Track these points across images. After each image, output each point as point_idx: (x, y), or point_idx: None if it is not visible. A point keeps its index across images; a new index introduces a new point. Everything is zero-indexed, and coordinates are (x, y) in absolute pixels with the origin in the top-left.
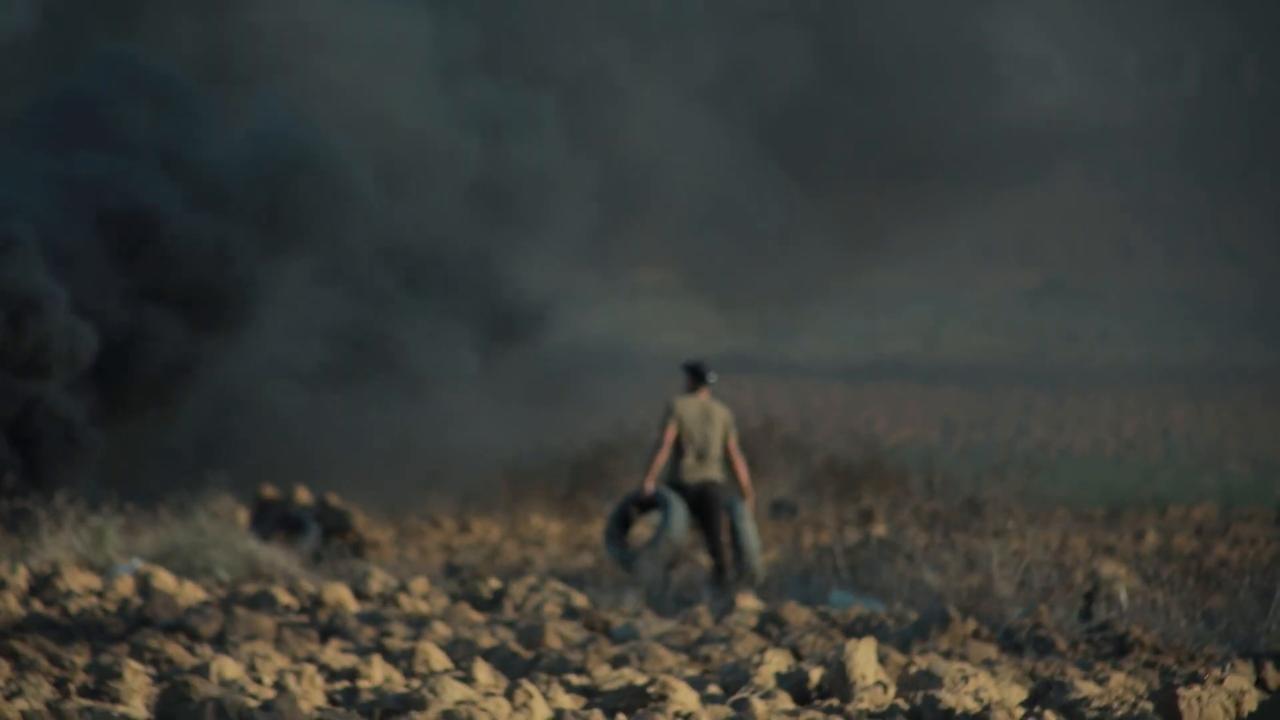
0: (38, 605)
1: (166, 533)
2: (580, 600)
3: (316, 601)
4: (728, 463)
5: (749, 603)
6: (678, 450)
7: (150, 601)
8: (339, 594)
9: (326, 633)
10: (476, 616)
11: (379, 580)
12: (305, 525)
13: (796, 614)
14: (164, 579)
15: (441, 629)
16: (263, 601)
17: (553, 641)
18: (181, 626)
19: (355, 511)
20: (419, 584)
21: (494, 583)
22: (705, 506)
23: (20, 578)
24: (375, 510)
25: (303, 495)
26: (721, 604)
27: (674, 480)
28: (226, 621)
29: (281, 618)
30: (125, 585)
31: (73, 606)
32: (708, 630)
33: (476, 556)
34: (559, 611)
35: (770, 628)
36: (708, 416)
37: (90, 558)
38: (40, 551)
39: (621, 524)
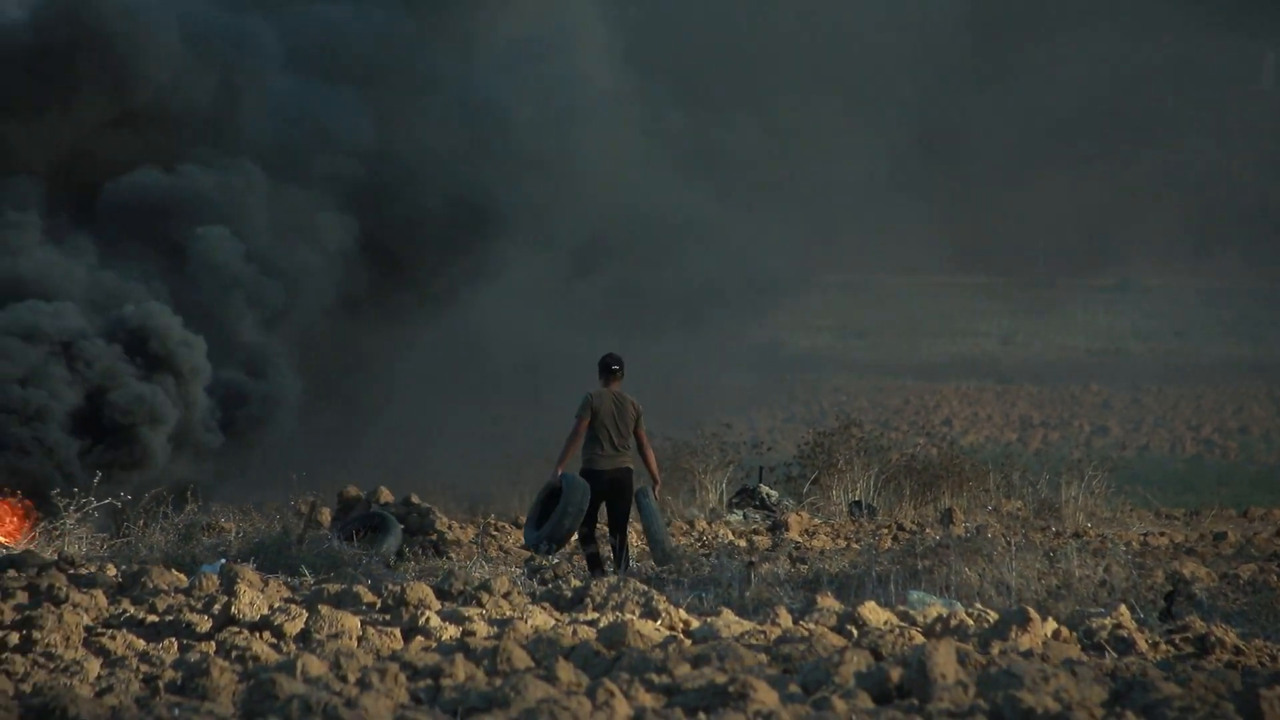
0: (126, 603)
1: (252, 531)
2: (661, 600)
3: (399, 600)
4: (640, 451)
5: (829, 602)
6: (594, 439)
7: (236, 599)
8: (422, 593)
9: (409, 631)
10: (558, 616)
11: (461, 579)
12: (388, 524)
13: (876, 614)
14: (250, 577)
15: (523, 628)
16: (346, 600)
17: (634, 641)
18: (266, 625)
19: (437, 510)
20: (501, 583)
21: (575, 582)
22: (618, 494)
23: (110, 575)
24: (456, 509)
25: (385, 494)
26: (801, 603)
27: (589, 468)
28: (311, 620)
29: (365, 616)
30: (211, 583)
31: (160, 604)
32: (787, 630)
33: (558, 556)
34: (639, 611)
35: (850, 627)
36: (620, 408)
37: (178, 556)
38: (129, 550)
39: (542, 511)
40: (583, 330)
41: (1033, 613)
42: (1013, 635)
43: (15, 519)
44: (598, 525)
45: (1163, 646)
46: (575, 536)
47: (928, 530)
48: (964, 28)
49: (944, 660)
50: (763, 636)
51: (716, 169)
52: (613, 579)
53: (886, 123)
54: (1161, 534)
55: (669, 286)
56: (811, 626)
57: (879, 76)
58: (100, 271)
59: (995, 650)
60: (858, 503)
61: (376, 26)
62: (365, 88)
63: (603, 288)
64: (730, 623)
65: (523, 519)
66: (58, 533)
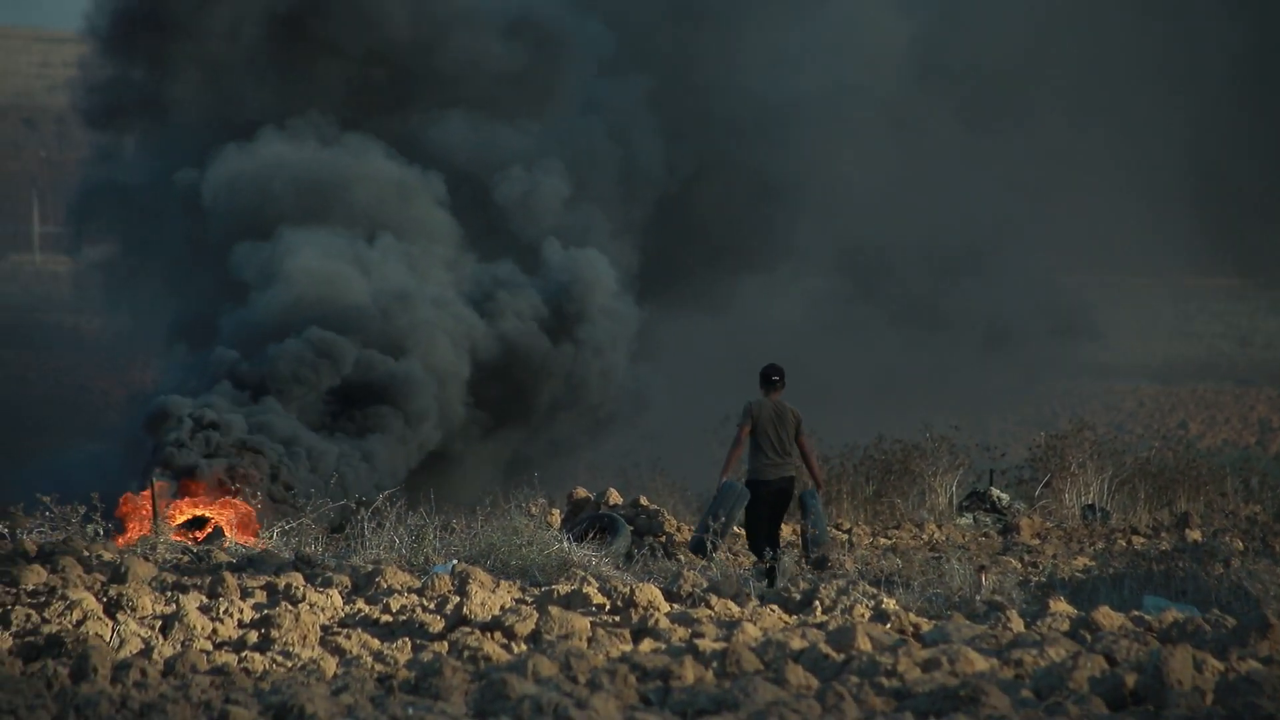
0: (361, 603)
1: (483, 533)
2: (890, 603)
3: (629, 602)
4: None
5: (1062, 606)
6: (757, 449)
7: (468, 600)
8: (651, 594)
9: (639, 633)
10: (787, 618)
11: (690, 581)
12: (617, 526)
13: (1110, 619)
14: (481, 578)
15: (752, 630)
16: (576, 601)
17: (863, 644)
18: (498, 625)
19: (666, 512)
20: (730, 585)
21: (804, 584)
22: (782, 502)
23: (345, 576)
24: (685, 511)
25: (614, 496)
26: (1034, 608)
27: (754, 477)
28: (541, 621)
29: (595, 617)
30: (443, 584)
31: (394, 604)
32: (1019, 634)
33: (787, 558)
34: (869, 614)
35: (1083, 632)
36: (781, 417)
37: (410, 557)
38: (363, 551)
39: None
40: (853, 342)
41: (1273, 619)
42: (1252, 642)
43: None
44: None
45: None
46: (748, 546)
47: (1163, 535)
48: (1232, 36)
49: (1180, 666)
50: (994, 641)
51: (998, 176)
52: (843, 581)
53: (1147, 131)
54: None
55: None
56: (1044, 631)
57: (1147, 87)
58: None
59: (1233, 657)
60: (1091, 506)
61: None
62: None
63: (866, 299)
64: (961, 626)
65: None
66: (295, 533)
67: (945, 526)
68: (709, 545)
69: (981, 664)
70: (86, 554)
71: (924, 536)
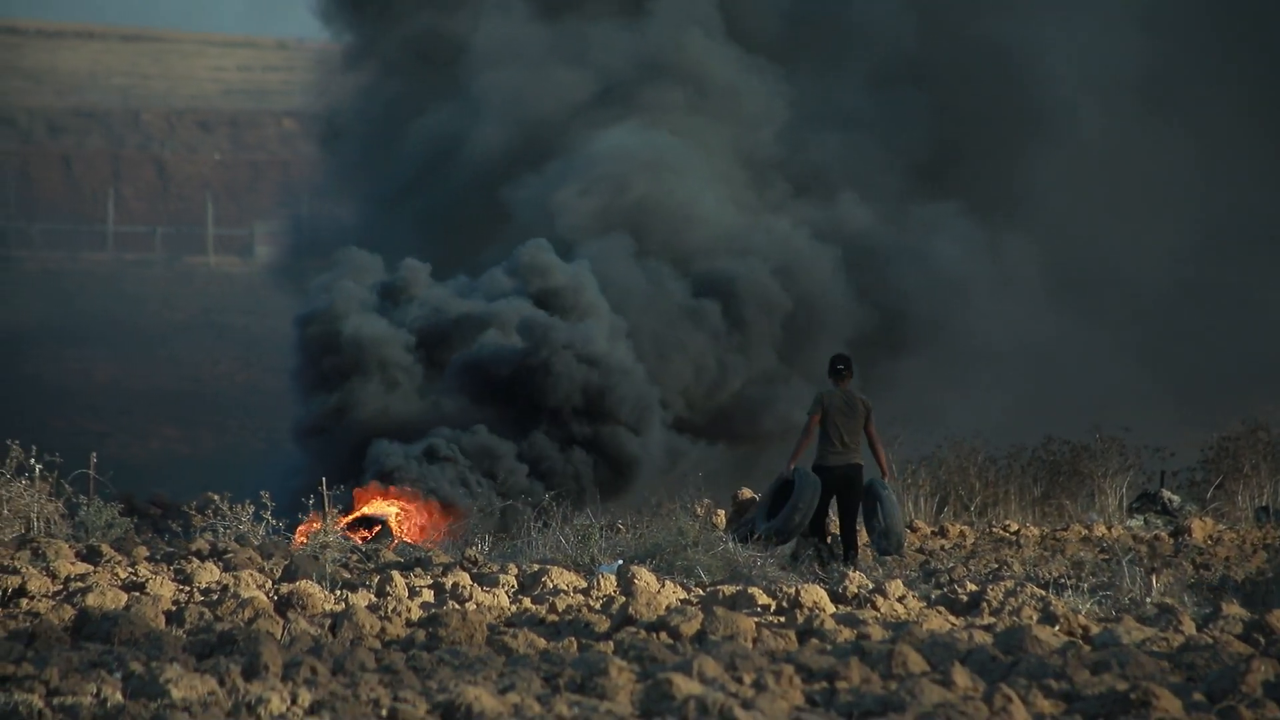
0: (527, 602)
1: (648, 533)
2: (1059, 604)
3: (794, 603)
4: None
5: (1234, 609)
6: (825, 437)
7: (633, 600)
8: (816, 596)
9: (804, 634)
10: (954, 620)
11: (856, 582)
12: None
13: None
14: (646, 578)
15: (918, 632)
16: (741, 602)
17: (1032, 646)
18: (663, 626)
19: (831, 513)
20: (895, 587)
21: (971, 586)
22: (848, 489)
23: (511, 575)
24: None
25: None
26: (1206, 611)
27: (821, 464)
28: (706, 621)
29: (760, 618)
30: (609, 584)
31: (560, 604)
32: (1191, 637)
33: (952, 559)
34: (1037, 616)
35: (1256, 635)
36: (850, 406)
37: (576, 557)
38: (529, 550)
39: (773, 503)
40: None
41: None
42: None
43: (424, 518)
44: (828, 519)
45: None
46: (805, 528)
47: None
48: None
49: None
50: (1165, 643)
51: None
52: (1011, 583)
53: None
54: None
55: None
56: (1216, 634)
57: None
58: None
59: None
60: (1264, 508)
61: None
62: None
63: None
64: (1131, 629)
65: (917, 522)
66: (461, 533)
67: (1115, 528)
68: (776, 538)
69: (1152, 666)
70: (259, 552)
71: (1093, 538)
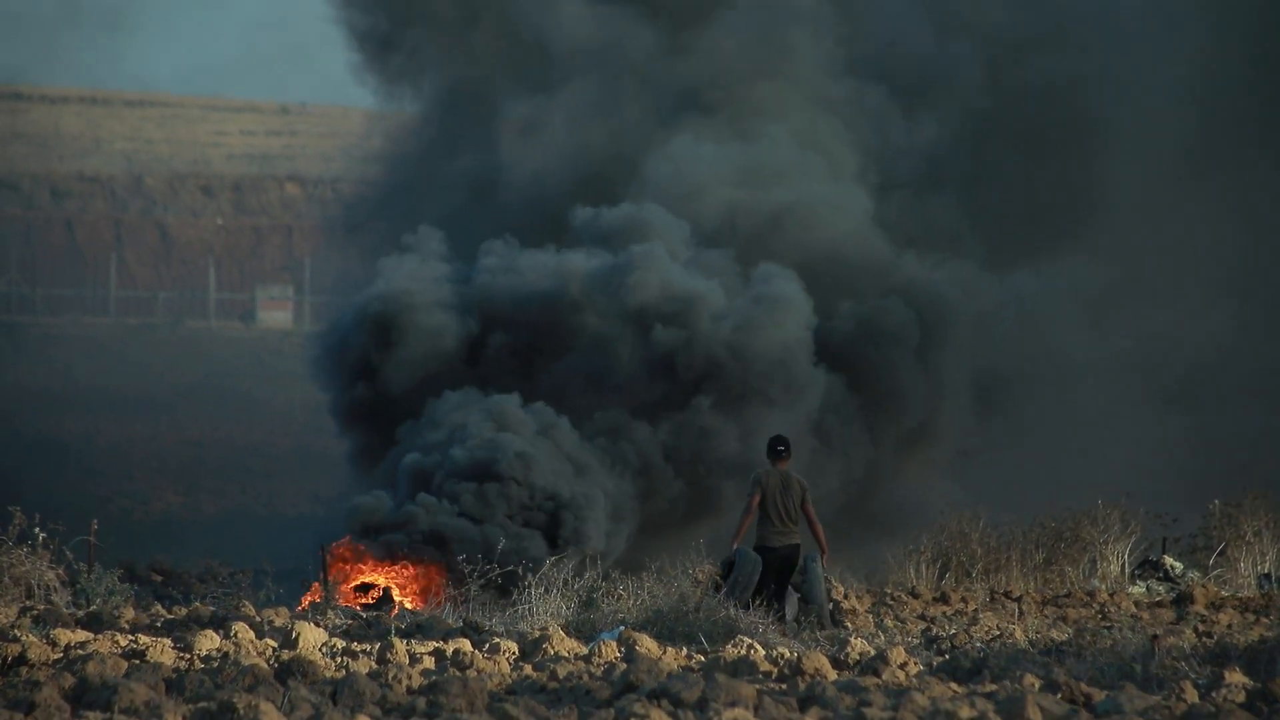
0: (528, 669)
1: (649, 600)
2: (1061, 672)
3: (795, 669)
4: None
5: (1237, 677)
6: (764, 517)
7: (634, 667)
8: (818, 662)
9: (806, 701)
10: (956, 687)
11: (858, 649)
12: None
13: None
14: (647, 644)
15: (920, 699)
16: (743, 668)
17: (1033, 714)
18: (665, 692)
19: (833, 580)
20: (897, 653)
21: (972, 653)
22: (787, 567)
23: (511, 642)
24: (852, 579)
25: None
26: (1209, 679)
27: (761, 544)
28: (708, 688)
29: (761, 685)
30: (610, 650)
31: (560, 671)
32: (1194, 705)
33: (955, 626)
34: (1039, 683)
35: (1260, 704)
36: (787, 486)
37: (577, 624)
38: (530, 617)
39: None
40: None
41: None
42: None
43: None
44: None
45: None
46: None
47: None
48: None
49: None
50: (1168, 712)
51: None
52: (1010, 651)
53: None
54: None
55: None
56: (1219, 702)
57: None
58: None
59: None
60: (1267, 575)
61: None
62: None
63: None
64: (1134, 696)
65: (919, 588)
66: (463, 599)
67: (1117, 595)
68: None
69: None
70: (258, 619)
71: (1095, 605)
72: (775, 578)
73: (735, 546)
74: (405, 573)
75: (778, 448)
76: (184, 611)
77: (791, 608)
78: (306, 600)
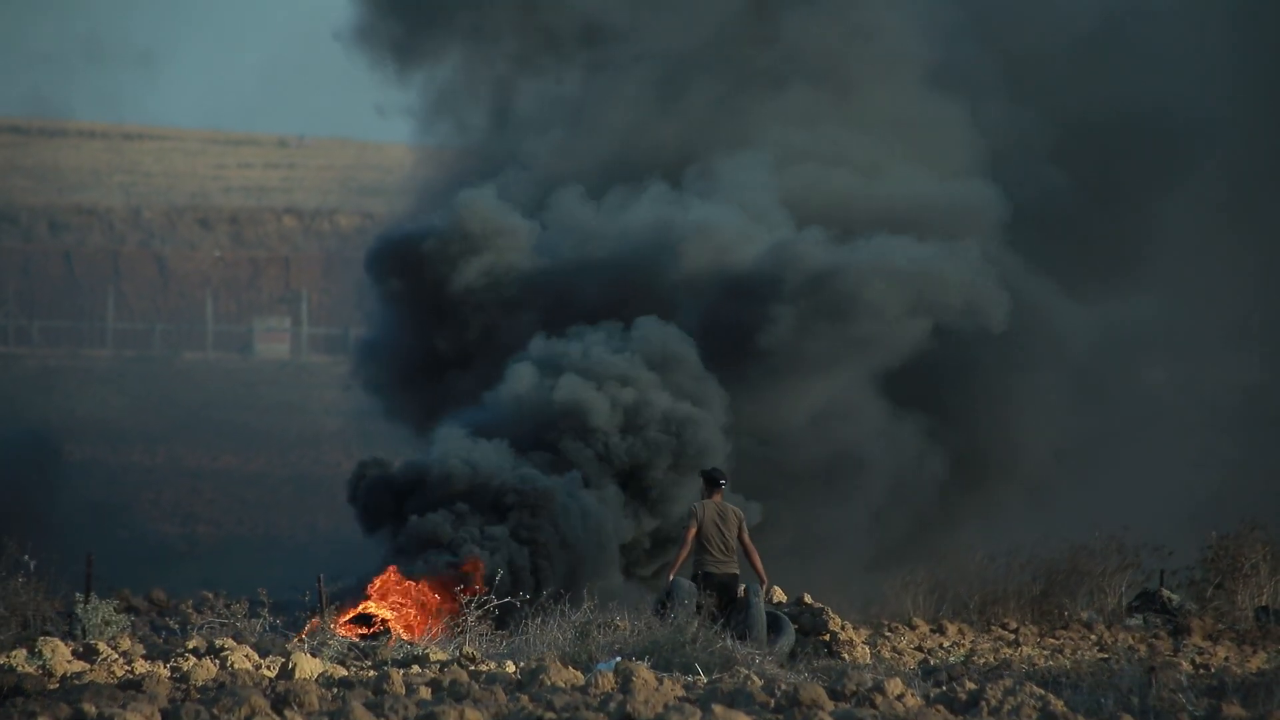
0: (525, 700)
1: (646, 631)
2: (1058, 704)
3: (792, 700)
4: (745, 555)
5: (1234, 710)
6: (702, 547)
7: (631, 697)
8: (814, 693)
9: None
10: (953, 718)
11: (854, 680)
12: (781, 624)
13: None
14: (644, 675)
15: None
16: (740, 699)
17: None
18: None
19: (830, 610)
20: (894, 685)
21: (970, 684)
22: (727, 596)
23: (508, 673)
24: (850, 610)
25: (778, 594)
26: (1205, 712)
27: (700, 570)
28: (705, 718)
29: (758, 715)
30: (607, 681)
31: (558, 701)
32: None
33: (951, 658)
34: (1036, 715)
35: None
36: (723, 517)
37: (574, 654)
38: (526, 648)
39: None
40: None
41: None
42: None
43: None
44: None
45: None
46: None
47: None
48: None
49: None
50: None
51: None
52: (1010, 682)
53: None
54: None
55: None
56: None
57: None
58: None
59: None
60: (1264, 608)
61: None
62: None
63: None
64: None
65: (916, 620)
66: (460, 629)
67: (1114, 627)
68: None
69: None
70: (254, 649)
71: (1092, 637)
72: (715, 602)
73: (671, 578)
74: (422, 596)
75: (715, 479)
76: (181, 641)
77: (788, 639)
78: (305, 631)
